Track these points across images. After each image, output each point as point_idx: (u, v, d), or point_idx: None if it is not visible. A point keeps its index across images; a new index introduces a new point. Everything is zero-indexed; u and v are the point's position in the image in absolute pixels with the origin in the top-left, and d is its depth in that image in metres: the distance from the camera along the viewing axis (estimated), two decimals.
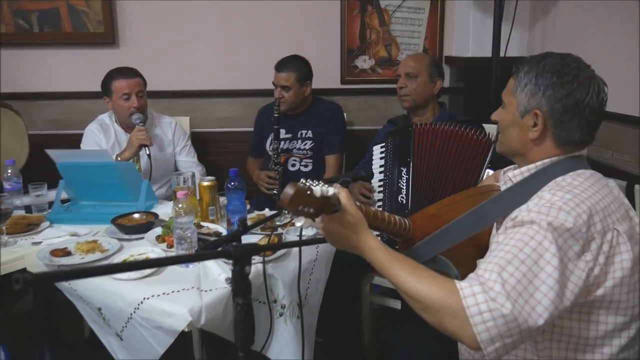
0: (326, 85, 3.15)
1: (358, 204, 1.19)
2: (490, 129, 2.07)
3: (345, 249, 1.16)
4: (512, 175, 1.22)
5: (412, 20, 3.09)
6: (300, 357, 1.64)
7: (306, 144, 2.74)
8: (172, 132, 2.70)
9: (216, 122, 3.21)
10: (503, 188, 1.25)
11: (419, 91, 2.33)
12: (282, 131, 2.73)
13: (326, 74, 3.15)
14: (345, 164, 3.00)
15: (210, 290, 1.49)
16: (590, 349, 1.09)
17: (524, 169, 1.20)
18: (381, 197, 2.12)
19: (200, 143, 3.17)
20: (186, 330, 1.39)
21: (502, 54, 2.62)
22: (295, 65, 2.67)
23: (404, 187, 2.00)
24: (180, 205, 1.62)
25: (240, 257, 0.96)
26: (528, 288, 0.97)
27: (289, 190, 0.99)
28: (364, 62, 3.15)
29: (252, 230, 1.80)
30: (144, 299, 1.46)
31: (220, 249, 1.04)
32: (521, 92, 1.17)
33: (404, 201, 1.99)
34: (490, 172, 1.88)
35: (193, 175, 2.09)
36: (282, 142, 2.72)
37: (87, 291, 1.59)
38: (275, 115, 2.55)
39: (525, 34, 2.87)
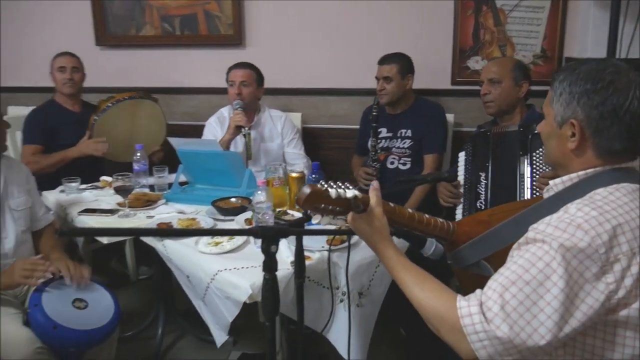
0: (436, 86, 3.17)
1: (392, 205, 1.26)
2: None
3: (367, 245, 1.24)
4: (554, 183, 1.19)
5: (530, 19, 2.97)
6: (359, 344, 1.74)
7: (405, 142, 2.79)
8: (282, 125, 2.94)
9: (327, 119, 3.38)
10: (545, 196, 1.22)
11: (503, 97, 2.26)
12: (384, 130, 2.82)
13: (437, 75, 3.16)
14: (450, 165, 2.99)
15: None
16: None
17: (565, 177, 1.17)
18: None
19: (311, 138, 3.37)
20: (248, 302, 1.57)
21: (624, 55, 2.43)
22: (398, 58, 2.76)
23: (483, 193, 1.98)
24: (259, 192, 1.81)
25: (266, 236, 1.10)
26: (531, 309, 0.97)
27: (306, 190, 1.10)
28: (476, 63, 3.10)
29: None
30: (218, 271, 1.66)
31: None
32: (557, 102, 1.14)
33: (483, 207, 1.97)
34: None
35: (285, 167, 2.27)
36: (383, 141, 2.81)
37: (178, 260, 1.85)
38: (374, 113, 2.63)
39: None
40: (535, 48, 3.00)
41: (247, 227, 1.98)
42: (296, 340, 1.73)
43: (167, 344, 2.64)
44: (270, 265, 1.13)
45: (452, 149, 3.02)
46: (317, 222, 1.16)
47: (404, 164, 2.81)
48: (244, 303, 1.60)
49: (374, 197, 1.21)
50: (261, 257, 1.68)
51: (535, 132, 1.97)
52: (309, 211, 1.14)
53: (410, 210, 1.29)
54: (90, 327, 1.77)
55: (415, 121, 2.78)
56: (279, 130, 2.94)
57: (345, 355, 1.70)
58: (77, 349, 1.79)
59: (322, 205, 1.12)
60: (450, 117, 3.05)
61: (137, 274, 3.32)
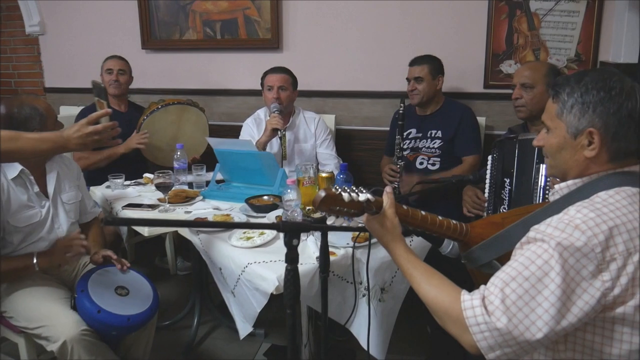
0: (468, 89, 3.20)
1: (405, 207, 1.34)
2: None
3: (380, 244, 1.35)
4: (559, 187, 1.25)
5: (565, 23, 2.97)
6: (379, 336, 1.82)
7: (435, 142, 2.84)
8: (315, 126, 3.03)
9: (360, 121, 3.46)
10: (551, 199, 1.27)
11: (534, 102, 2.28)
12: (413, 130, 2.88)
13: (469, 78, 3.20)
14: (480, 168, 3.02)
15: (302, 264, 1.73)
16: None
17: (570, 182, 1.22)
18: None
19: (345, 139, 3.46)
20: (275, 293, 1.67)
21: None
22: (428, 59, 2.85)
23: (506, 198, 2.01)
24: (288, 191, 1.91)
25: (288, 231, 1.20)
26: (530, 303, 1.03)
27: (321, 193, 1.20)
28: (509, 67, 3.12)
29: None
30: (248, 263, 1.77)
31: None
32: (569, 114, 1.18)
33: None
34: None
35: (315, 167, 2.36)
36: (412, 141, 2.88)
37: (213, 253, 1.97)
38: (400, 111, 2.70)
39: None
40: (570, 52, 3.00)
41: None
42: (320, 332, 1.83)
43: (203, 333, 2.78)
44: (291, 257, 1.22)
45: (483, 152, 3.05)
46: (331, 222, 1.25)
47: (433, 165, 2.86)
48: (275, 297, 1.69)
49: (387, 200, 1.30)
50: None
51: None
52: (324, 212, 1.23)
53: (423, 213, 1.37)
54: (130, 312, 1.91)
55: (445, 122, 2.84)
56: (312, 131, 3.04)
57: (365, 347, 1.79)
58: (118, 333, 1.94)
59: (337, 207, 1.21)
60: (482, 120, 3.08)
61: (177, 268, 3.48)
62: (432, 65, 2.83)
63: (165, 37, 3.70)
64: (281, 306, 1.83)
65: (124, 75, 3.18)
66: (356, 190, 1.24)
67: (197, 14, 3.60)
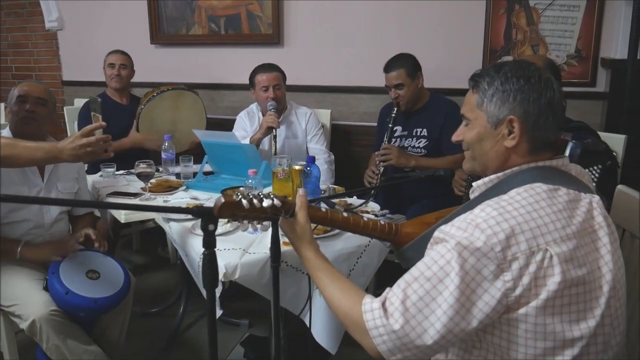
0: (466, 86, 3.13)
1: (324, 210, 1.34)
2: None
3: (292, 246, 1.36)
4: (477, 185, 1.22)
5: (565, 18, 2.89)
6: (331, 328, 1.82)
7: (420, 142, 2.79)
8: (306, 121, 3.04)
9: (359, 116, 3.46)
10: (471, 197, 1.24)
11: None
12: (398, 129, 2.84)
13: (466, 74, 3.10)
14: None
15: (254, 253, 1.77)
16: None
17: (486, 179, 1.19)
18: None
19: (343, 134, 3.46)
20: (223, 280, 1.70)
21: None
22: (402, 62, 2.73)
23: None
24: (249, 181, 1.93)
25: (202, 216, 1.22)
26: (430, 305, 1.01)
27: (220, 199, 1.20)
28: None
29: None
30: (204, 252, 1.80)
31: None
32: (489, 103, 1.16)
33: None
34: None
35: (290, 160, 2.37)
36: (398, 140, 2.84)
37: (179, 239, 2.02)
38: (393, 115, 2.67)
39: None
40: (570, 48, 2.91)
41: None
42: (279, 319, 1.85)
43: (189, 322, 2.84)
44: (209, 242, 1.25)
45: None
46: (233, 228, 1.25)
47: None
48: None
49: (298, 203, 1.31)
50: (246, 242, 1.85)
51: None
52: (229, 219, 1.23)
53: (344, 215, 1.36)
54: (98, 295, 1.97)
55: (430, 119, 2.78)
56: (304, 127, 3.05)
57: (318, 339, 1.80)
58: (85, 314, 2.01)
59: (243, 213, 1.22)
60: None
61: (177, 257, 3.56)
62: (407, 66, 2.71)
63: (172, 32, 3.79)
64: (264, 298, 1.86)
65: (125, 69, 3.28)
66: (262, 196, 1.25)
67: (202, 10, 3.67)
